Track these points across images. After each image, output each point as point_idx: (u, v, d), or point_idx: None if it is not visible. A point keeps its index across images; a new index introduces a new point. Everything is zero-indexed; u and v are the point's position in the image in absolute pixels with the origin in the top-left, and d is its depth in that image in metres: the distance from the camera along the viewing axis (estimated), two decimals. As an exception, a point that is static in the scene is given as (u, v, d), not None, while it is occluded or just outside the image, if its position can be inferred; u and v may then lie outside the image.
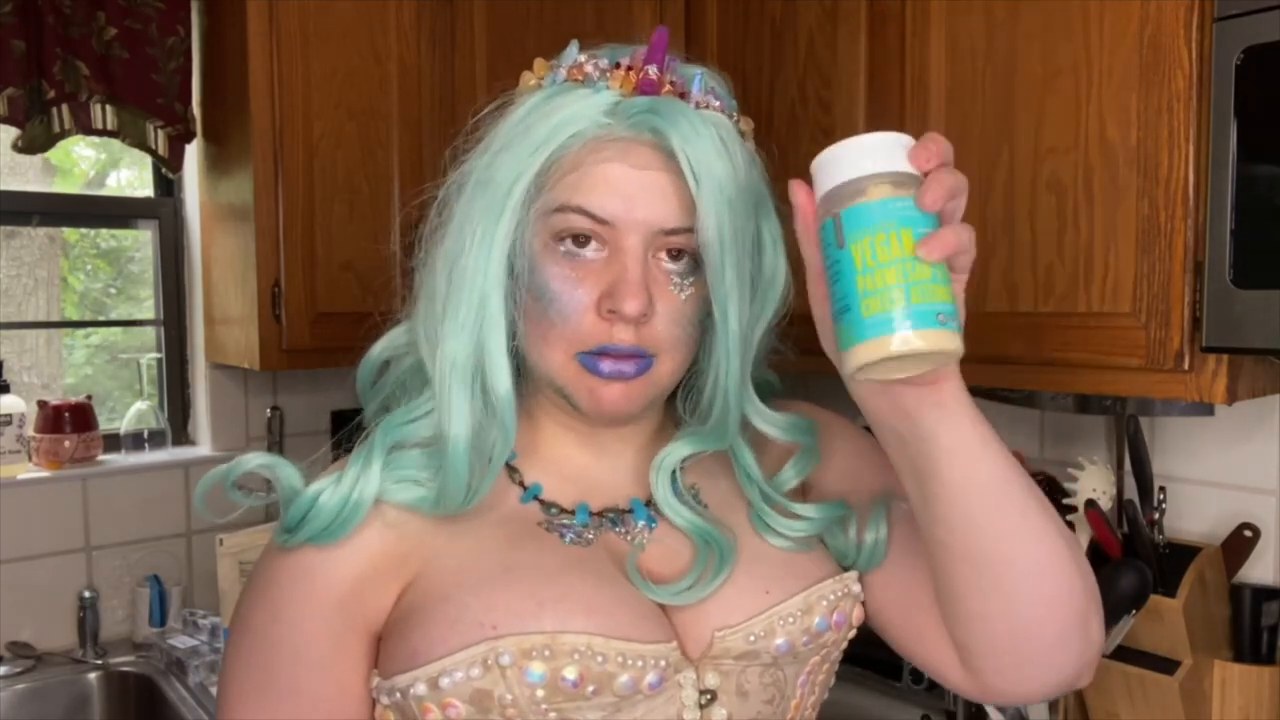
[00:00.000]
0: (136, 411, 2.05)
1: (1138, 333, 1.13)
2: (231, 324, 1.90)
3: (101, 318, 2.16)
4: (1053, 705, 1.45)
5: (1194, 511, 1.46)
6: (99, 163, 2.19)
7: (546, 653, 0.67)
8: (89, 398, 1.98)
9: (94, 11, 1.76)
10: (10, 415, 1.88)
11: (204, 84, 1.96)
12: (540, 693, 0.67)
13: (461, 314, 0.72)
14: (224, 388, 2.11)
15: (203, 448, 2.12)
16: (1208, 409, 1.39)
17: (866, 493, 0.82)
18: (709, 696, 0.74)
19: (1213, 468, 1.45)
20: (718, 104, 0.74)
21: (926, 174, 0.61)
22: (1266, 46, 0.99)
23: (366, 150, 1.82)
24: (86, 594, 1.88)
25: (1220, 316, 1.05)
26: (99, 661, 1.86)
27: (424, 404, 0.75)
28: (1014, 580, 0.68)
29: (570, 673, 0.67)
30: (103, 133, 1.81)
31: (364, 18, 1.80)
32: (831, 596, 0.78)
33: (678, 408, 0.83)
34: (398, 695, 0.70)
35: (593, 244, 0.72)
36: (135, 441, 2.03)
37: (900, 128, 0.62)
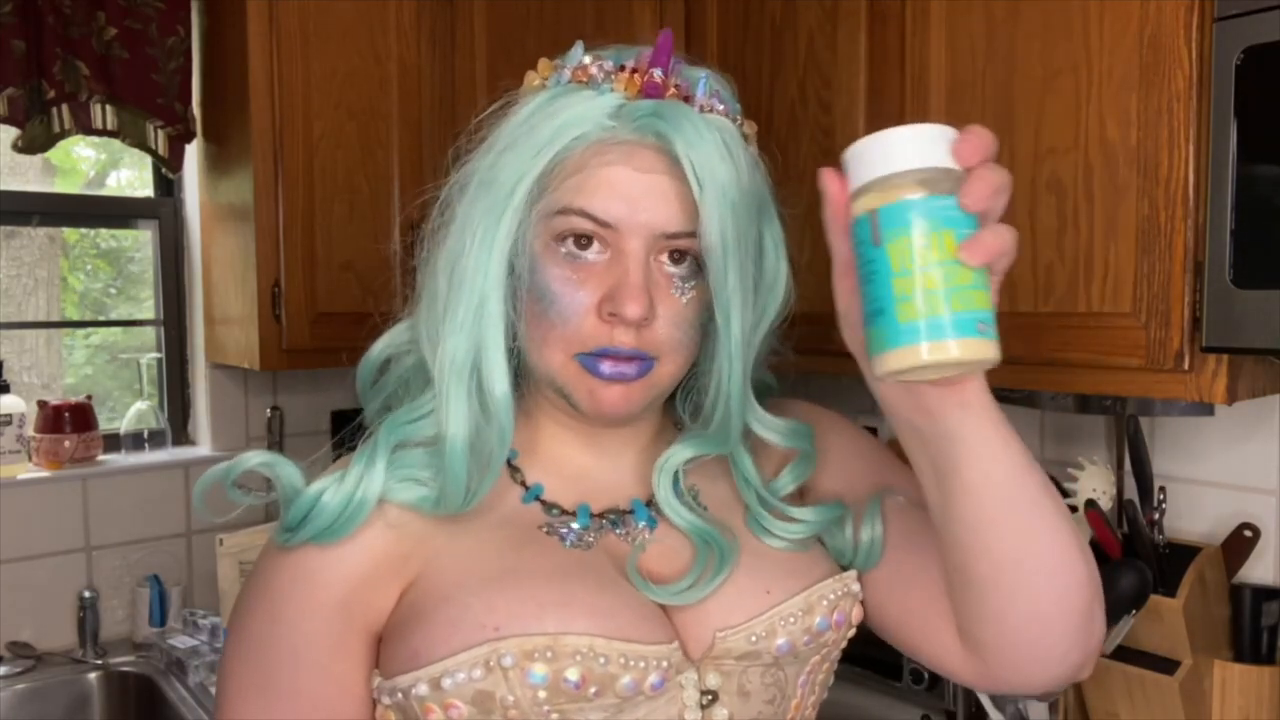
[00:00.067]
0: (136, 411, 2.05)
1: (1138, 333, 1.13)
2: (231, 324, 1.90)
3: (101, 318, 2.16)
4: (1053, 705, 1.45)
5: (1194, 511, 1.46)
6: (99, 163, 2.19)
7: (549, 654, 0.67)
8: (89, 398, 1.98)
9: (94, 11, 1.76)
10: (10, 415, 1.88)
11: (204, 84, 1.96)
12: (542, 694, 0.67)
13: (461, 313, 0.72)
14: (224, 388, 2.11)
15: (203, 448, 2.12)
16: (1208, 409, 1.39)
17: (863, 491, 0.82)
18: (710, 697, 0.74)
19: (1213, 468, 1.45)
20: (722, 108, 0.74)
21: (969, 169, 0.58)
22: (1266, 46, 0.99)
23: (366, 150, 1.82)
24: (86, 594, 1.88)
25: (1220, 316, 1.05)
26: (99, 661, 1.86)
27: (427, 402, 0.75)
28: (1029, 576, 0.68)
29: (572, 674, 0.67)
30: (103, 133, 1.82)
31: (364, 18, 1.80)
32: (832, 596, 0.78)
33: (677, 409, 0.83)
34: (399, 696, 0.70)
35: (595, 246, 0.72)
36: (135, 441, 2.03)
37: (910, 125, 0.60)
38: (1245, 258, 1.02)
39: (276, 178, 1.74)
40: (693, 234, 0.72)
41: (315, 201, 1.77)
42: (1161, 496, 1.39)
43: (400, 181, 1.85)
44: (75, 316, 2.15)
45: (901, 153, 0.58)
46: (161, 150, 1.89)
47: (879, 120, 1.39)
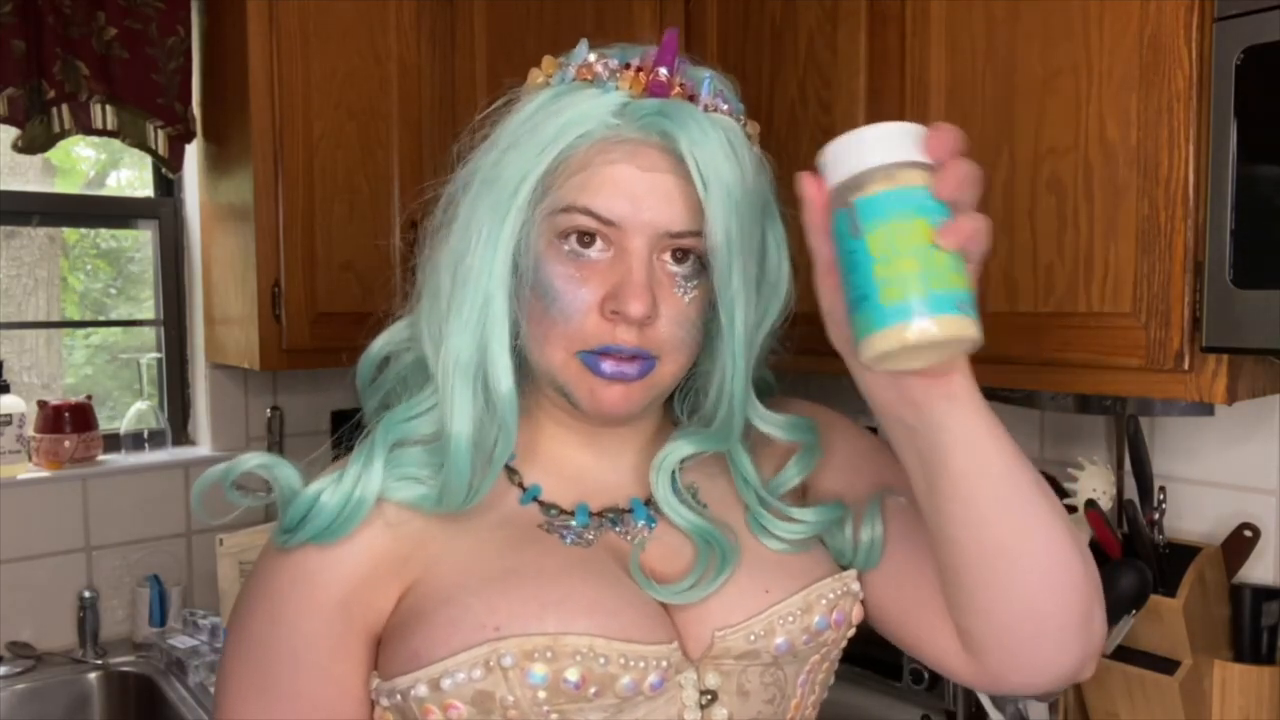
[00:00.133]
0: (136, 411, 2.05)
1: (1138, 333, 1.13)
2: (231, 324, 1.90)
3: (101, 318, 2.16)
4: (1053, 706, 1.45)
5: (1194, 511, 1.46)
6: (99, 163, 2.20)
7: (549, 654, 0.67)
8: (89, 398, 1.98)
9: (94, 11, 1.76)
10: (10, 415, 1.88)
11: (204, 84, 1.96)
12: (542, 694, 0.67)
13: (465, 312, 0.71)
14: (224, 388, 2.11)
15: (203, 448, 2.12)
16: (1208, 409, 1.39)
17: (863, 489, 0.82)
18: (710, 697, 0.74)
19: (1213, 468, 1.45)
20: (726, 107, 0.74)
21: (939, 163, 0.61)
22: (1266, 46, 0.99)
23: (366, 150, 1.82)
24: (86, 594, 1.88)
25: (1220, 316, 1.05)
26: (99, 661, 1.86)
27: (426, 400, 0.75)
28: (1021, 572, 0.68)
29: (572, 674, 0.67)
30: (103, 133, 1.82)
31: (364, 18, 1.80)
32: (831, 595, 0.78)
33: (675, 408, 0.83)
34: (398, 697, 0.70)
35: (598, 244, 0.72)
36: (135, 441, 2.03)
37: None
38: (1245, 258, 1.02)
39: (276, 178, 1.74)
40: (696, 233, 0.72)
41: (315, 201, 1.77)
42: (1161, 496, 1.39)
43: (400, 181, 1.85)
44: (75, 316, 2.15)
45: (874, 149, 0.61)
46: (161, 150, 1.89)
47: (879, 120, 1.39)
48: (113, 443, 2.03)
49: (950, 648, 0.76)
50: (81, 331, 2.17)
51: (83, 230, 2.14)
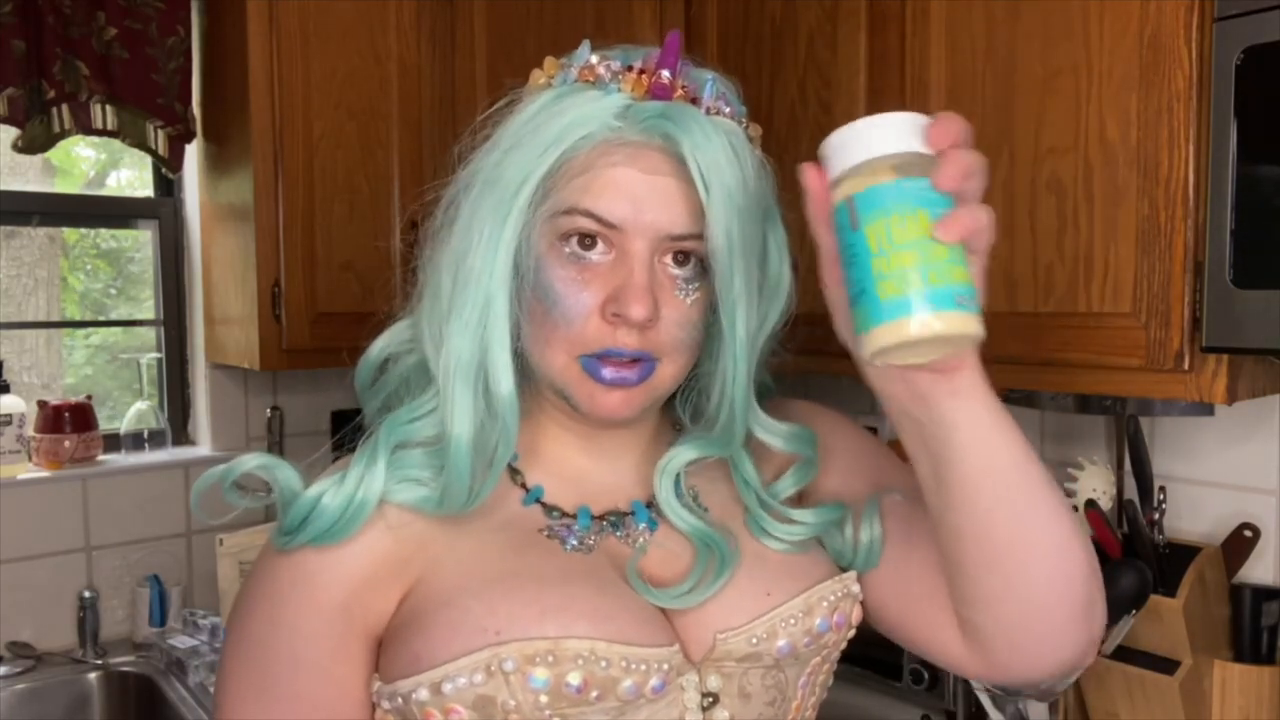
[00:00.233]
0: (136, 411, 2.05)
1: (1138, 333, 1.13)
2: (231, 324, 1.90)
3: (101, 318, 2.16)
4: (1053, 706, 1.45)
5: (1194, 511, 1.46)
6: (99, 163, 2.20)
7: (550, 658, 0.67)
8: (89, 398, 1.98)
9: (94, 11, 1.76)
10: (10, 415, 1.88)
11: (204, 84, 1.96)
12: (544, 698, 0.67)
13: (466, 313, 0.71)
14: (224, 388, 2.11)
15: (203, 448, 2.12)
16: (1208, 409, 1.39)
17: (862, 489, 0.82)
18: (711, 699, 0.74)
19: (1213, 468, 1.45)
20: (728, 110, 0.74)
21: (942, 153, 0.60)
22: (1266, 46, 1.00)
23: (366, 150, 1.82)
24: (86, 594, 1.88)
25: (1220, 316, 1.05)
26: (99, 661, 1.86)
27: (428, 402, 0.75)
28: (1027, 563, 0.68)
29: (574, 678, 0.67)
30: (103, 133, 1.81)
31: (364, 18, 1.80)
32: (832, 597, 0.78)
33: (676, 410, 0.83)
34: (399, 700, 0.69)
35: (599, 246, 0.72)
36: (135, 441, 2.03)
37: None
38: (1245, 258, 1.02)
39: (276, 178, 1.74)
40: (698, 236, 0.72)
41: (315, 201, 1.77)
42: (1161, 496, 1.39)
43: (400, 181, 1.85)
44: (75, 316, 2.15)
45: (875, 139, 0.60)
46: (161, 150, 1.89)
47: (879, 120, 1.39)
48: (113, 443, 2.03)
49: (952, 640, 0.76)
50: (81, 331, 2.17)
51: (83, 230, 2.14)
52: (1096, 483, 1.41)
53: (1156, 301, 1.11)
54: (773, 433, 0.80)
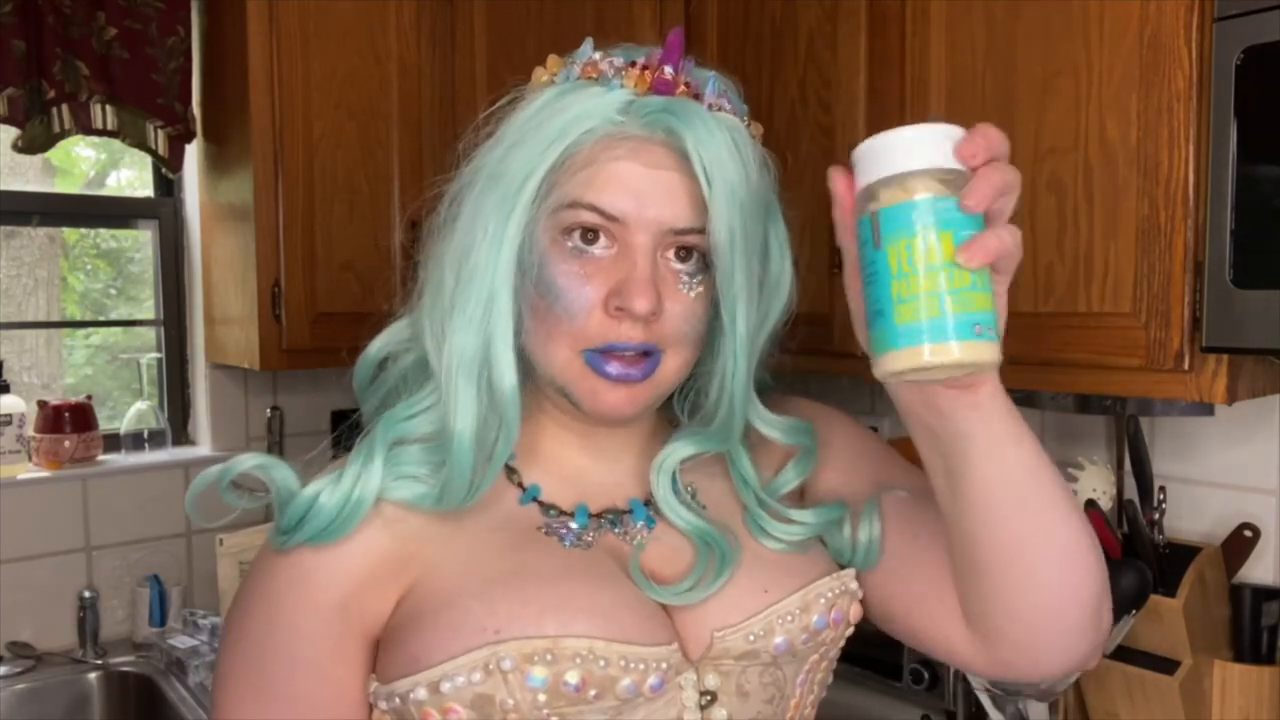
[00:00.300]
0: (136, 411, 2.05)
1: (1138, 333, 1.13)
2: (231, 324, 1.90)
3: (101, 318, 2.16)
4: (1053, 706, 1.45)
5: (1194, 511, 1.46)
6: (99, 163, 2.20)
7: (549, 657, 0.67)
8: (89, 398, 1.98)
9: (94, 11, 1.76)
10: (10, 415, 1.88)
11: (204, 84, 1.96)
12: (542, 697, 0.67)
13: (470, 309, 0.71)
14: (224, 388, 2.11)
15: (203, 448, 2.12)
16: (1208, 409, 1.39)
17: (862, 487, 0.82)
18: (709, 697, 0.74)
19: (1213, 468, 1.45)
20: (729, 107, 0.74)
21: (974, 169, 0.58)
22: (1266, 46, 0.99)
23: (366, 150, 1.82)
24: (86, 594, 1.88)
25: (1220, 316, 1.05)
26: (99, 661, 1.86)
27: (425, 399, 0.75)
28: (1041, 567, 0.69)
29: (572, 677, 0.67)
30: (103, 133, 1.82)
31: (364, 18, 1.80)
32: (829, 594, 0.78)
33: (674, 408, 0.83)
34: (397, 701, 0.69)
35: (601, 241, 0.72)
36: (135, 441, 2.03)
37: (908, 126, 0.60)
38: (1245, 258, 1.02)
39: (276, 178, 1.74)
40: (700, 231, 0.72)
41: (315, 201, 1.77)
42: (1161, 496, 1.39)
43: (400, 181, 1.85)
44: (75, 316, 2.15)
45: (905, 153, 0.58)
46: (161, 150, 1.89)
47: (879, 120, 1.39)
48: (113, 443, 2.03)
49: (957, 637, 0.76)
50: (81, 331, 2.17)
51: (83, 230, 2.14)
52: (1096, 483, 1.40)
53: (1156, 301, 1.11)
54: (772, 426, 0.80)
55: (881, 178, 0.58)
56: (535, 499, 0.78)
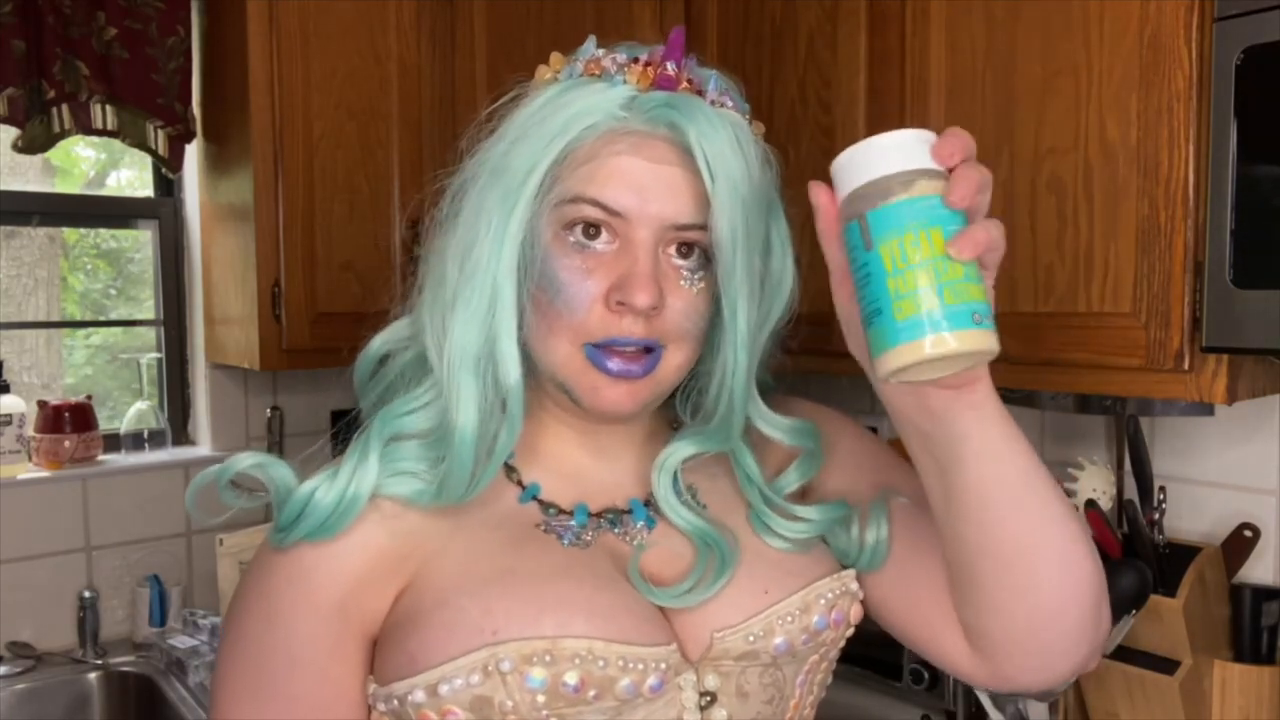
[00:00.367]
0: (136, 411, 2.05)
1: (1138, 333, 1.13)
2: (231, 324, 1.90)
3: (101, 318, 2.16)
4: (1053, 705, 1.45)
5: (1194, 511, 1.46)
6: (99, 163, 2.19)
7: (547, 658, 0.67)
8: (89, 398, 1.98)
9: (94, 11, 1.76)
10: (10, 415, 1.88)
11: (204, 84, 1.96)
12: (541, 698, 0.67)
13: (474, 303, 0.71)
14: (224, 388, 2.11)
15: (203, 448, 2.12)
16: (1208, 409, 1.39)
17: (865, 490, 0.82)
18: (709, 698, 0.73)
19: (1213, 468, 1.45)
20: (731, 104, 0.74)
21: (950, 170, 0.60)
22: (1266, 46, 0.99)
23: (366, 150, 1.82)
24: (86, 594, 1.88)
25: (1220, 316, 1.05)
26: (99, 661, 1.86)
27: (424, 394, 0.74)
28: (1036, 571, 0.69)
29: (571, 678, 0.67)
30: (103, 133, 1.81)
31: (364, 18, 1.80)
32: (830, 595, 0.77)
33: (676, 408, 0.83)
34: (395, 702, 0.69)
35: (603, 235, 0.72)
36: (135, 441, 2.03)
37: (900, 128, 0.62)
38: (1245, 258, 1.02)
39: (276, 178, 1.74)
40: (702, 226, 0.72)
41: (315, 201, 1.77)
42: (1161, 496, 1.39)
43: (400, 181, 1.85)
44: (75, 316, 2.15)
45: (884, 158, 0.60)
46: (161, 150, 1.89)
47: (879, 120, 1.39)
48: (113, 443, 2.03)
49: (956, 645, 0.76)
50: (81, 331, 2.17)
51: (83, 230, 2.14)
52: (1096, 483, 1.40)
53: (1156, 301, 1.11)
54: (775, 426, 0.80)
55: (866, 182, 0.60)
56: (535, 497, 0.78)
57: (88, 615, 1.88)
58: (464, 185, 0.74)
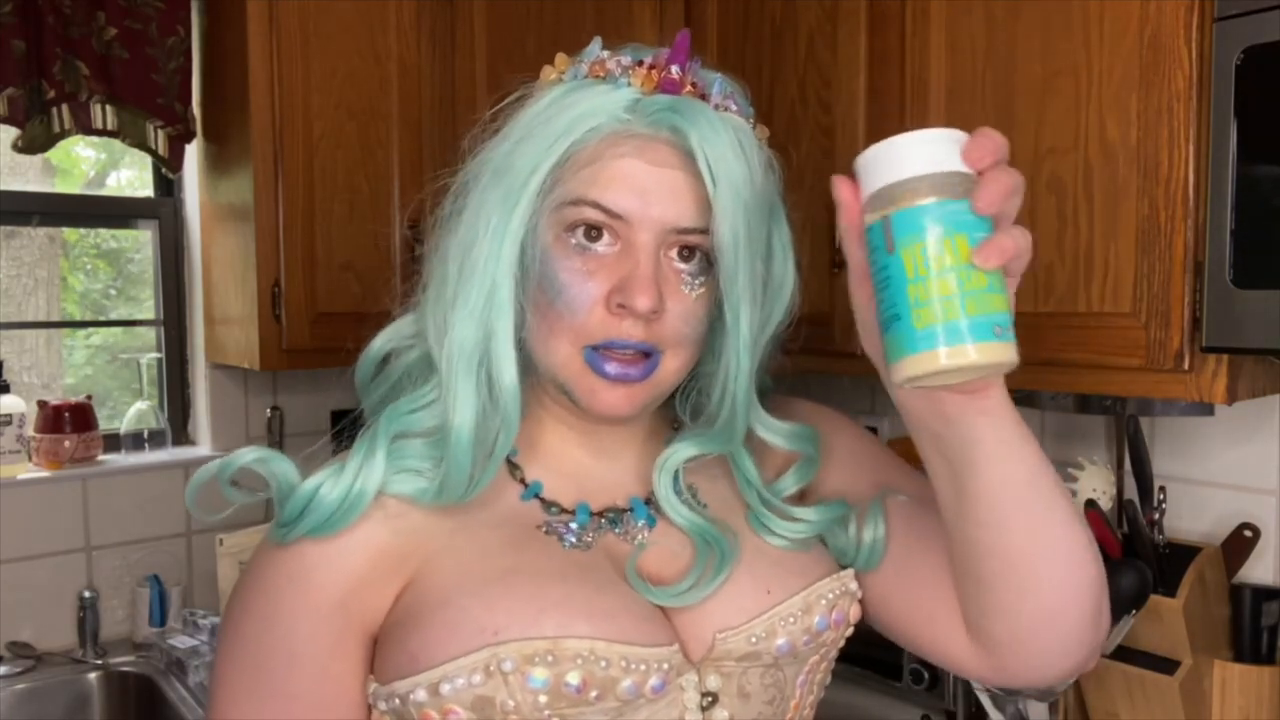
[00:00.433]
0: (136, 411, 2.05)
1: (1138, 333, 1.13)
2: (231, 324, 1.90)
3: (101, 318, 2.16)
4: (1053, 706, 1.45)
5: (1194, 511, 1.46)
6: (99, 163, 2.19)
7: (549, 658, 0.67)
8: (89, 398, 1.98)
9: (94, 11, 1.76)
10: (10, 415, 1.88)
11: (204, 84, 1.96)
12: (543, 698, 0.67)
13: (472, 301, 0.71)
14: (224, 388, 2.11)
15: (203, 448, 2.12)
16: (1208, 409, 1.39)
17: (864, 489, 0.82)
18: (711, 699, 0.73)
19: (1213, 468, 1.45)
20: (735, 108, 0.74)
21: (981, 172, 0.58)
22: (1266, 46, 0.99)
23: (366, 150, 1.82)
24: (86, 594, 1.88)
25: (1220, 316, 1.05)
26: (99, 661, 1.86)
27: (430, 393, 0.74)
28: (1041, 572, 0.69)
29: (573, 678, 0.67)
30: (103, 133, 1.81)
31: (364, 18, 1.80)
32: (830, 595, 0.78)
33: (676, 408, 0.83)
34: (396, 702, 0.69)
35: (605, 238, 0.72)
36: (135, 441, 2.03)
37: (900, 128, 0.60)
38: (1245, 258, 1.02)
39: (276, 178, 1.74)
40: (704, 230, 0.72)
41: (315, 201, 1.77)
42: (1161, 496, 1.39)
43: (400, 181, 1.85)
44: (75, 316, 2.15)
45: (912, 158, 0.58)
46: (161, 150, 1.89)
47: (879, 120, 1.39)
48: (113, 443, 2.03)
49: (957, 642, 0.76)
50: (81, 331, 2.17)
51: (83, 230, 2.14)
52: (1096, 483, 1.40)
53: (1156, 301, 1.11)
54: (774, 431, 0.80)
55: (892, 182, 0.58)
56: (537, 495, 0.78)
57: (88, 615, 1.88)
58: (467, 184, 0.75)
